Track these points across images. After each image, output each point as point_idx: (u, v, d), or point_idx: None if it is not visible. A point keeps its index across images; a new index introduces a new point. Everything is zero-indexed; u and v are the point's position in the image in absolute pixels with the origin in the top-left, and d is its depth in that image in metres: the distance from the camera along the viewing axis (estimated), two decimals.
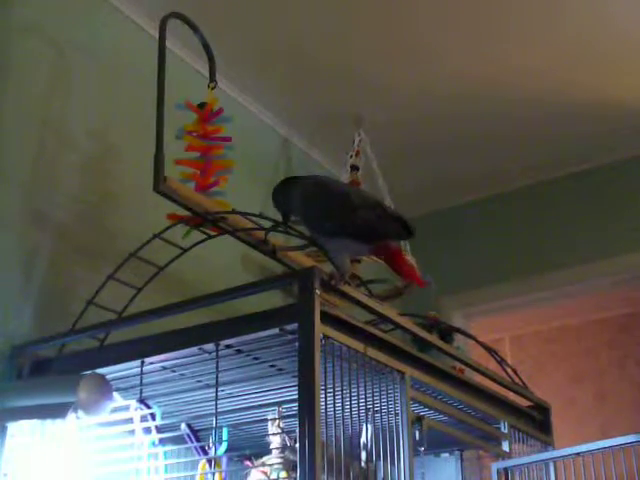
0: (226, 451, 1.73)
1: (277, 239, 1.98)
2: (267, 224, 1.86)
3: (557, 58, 2.80)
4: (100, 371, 1.61)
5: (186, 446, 1.73)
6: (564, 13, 2.59)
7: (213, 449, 1.65)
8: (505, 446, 2.16)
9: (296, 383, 1.44)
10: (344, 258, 1.63)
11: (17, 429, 1.69)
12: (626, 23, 2.64)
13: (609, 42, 2.73)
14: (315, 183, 1.76)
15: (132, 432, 1.65)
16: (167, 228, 1.90)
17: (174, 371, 1.70)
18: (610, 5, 2.56)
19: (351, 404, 1.58)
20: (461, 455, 2.42)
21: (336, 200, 1.67)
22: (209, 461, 1.70)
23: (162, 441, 1.66)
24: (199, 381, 1.73)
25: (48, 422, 1.65)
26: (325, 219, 1.66)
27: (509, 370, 2.43)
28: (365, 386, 1.63)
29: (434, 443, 2.03)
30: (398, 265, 1.71)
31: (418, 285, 1.75)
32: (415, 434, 1.75)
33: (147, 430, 1.65)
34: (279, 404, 1.75)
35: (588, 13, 2.59)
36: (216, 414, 1.55)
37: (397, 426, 1.71)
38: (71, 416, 1.51)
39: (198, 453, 1.73)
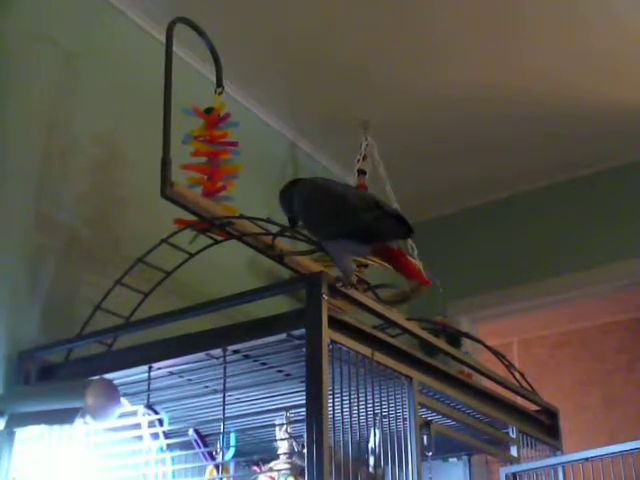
0: (234, 456, 1.73)
1: (284, 244, 1.98)
2: (274, 229, 1.86)
3: (564, 63, 2.79)
4: (107, 376, 1.61)
5: (194, 452, 1.73)
6: (575, 17, 2.58)
7: (221, 454, 1.65)
8: (513, 451, 2.15)
9: (304, 388, 1.44)
10: (347, 260, 1.63)
11: (25, 435, 1.69)
12: (637, 26, 2.64)
13: (617, 47, 2.72)
14: (312, 186, 1.74)
15: (140, 438, 1.65)
16: (174, 233, 1.90)
17: (182, 376, 1.70)
18: (621, 9, 2.55)
19: (359, 409, 1.58)
20: (469, 460, 2.42)
21: (333, 202, 1.66)
22: (217, 466, 1.70)
23: (170, 446, 1.66)
24: (207, 386, 1.73)
25: (56, 428, 1.64)
26: (323, 221, 1.65)
27: (517, 374, 2.42)
28: (373, 391, 1.62)
29: (442, 448, 2.03)
30: (401, 265, 1.69)
31: (423, 284, 1.73)
32: (423, 439, 1.75)
33: (155, 435, 1.65)
34: (287, 409, 1.74)
35: (598, 17, 2.58)
36: (223, 419, 1.55)
37: (405, 431, 1.70)
38: (79, 421, 1.51)
39: (206, 458, 1.72)
